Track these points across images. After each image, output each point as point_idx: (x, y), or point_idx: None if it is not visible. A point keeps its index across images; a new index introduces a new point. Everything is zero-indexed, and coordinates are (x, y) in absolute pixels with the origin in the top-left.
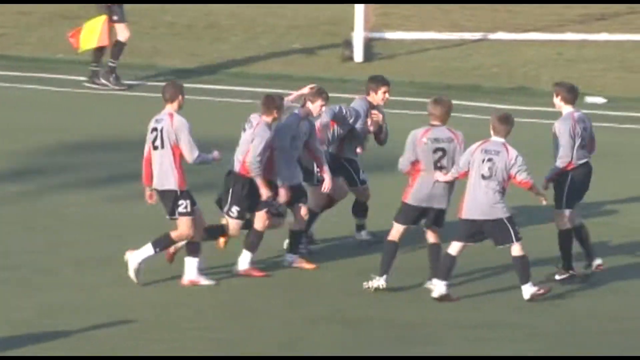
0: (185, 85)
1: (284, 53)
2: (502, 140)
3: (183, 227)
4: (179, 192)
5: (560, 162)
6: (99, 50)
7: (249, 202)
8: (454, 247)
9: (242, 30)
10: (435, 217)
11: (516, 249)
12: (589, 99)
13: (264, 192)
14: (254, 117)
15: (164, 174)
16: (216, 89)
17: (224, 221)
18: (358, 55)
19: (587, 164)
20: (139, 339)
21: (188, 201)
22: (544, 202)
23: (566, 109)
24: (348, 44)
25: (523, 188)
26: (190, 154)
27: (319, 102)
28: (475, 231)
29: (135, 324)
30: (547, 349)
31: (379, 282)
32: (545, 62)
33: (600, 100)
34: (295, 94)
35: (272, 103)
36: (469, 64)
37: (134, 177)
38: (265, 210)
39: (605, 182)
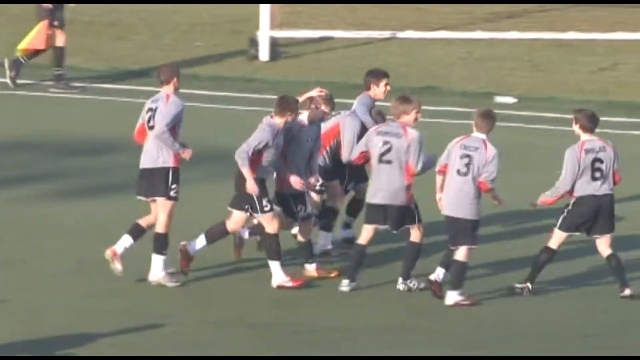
0: (88, 85)
1: (188, 52)
2: (483, 136)
3: (165, 211)
4: (171, 171)
5: (555, 190)
6: (36, 52)
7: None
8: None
9: (145, 28)
10: (400, 217)
11: (462, 254)
12: (499, 99)
13: (250, 186)
14: (265, 118)
15: (158, 152)
16: (119, 88)
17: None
18: (264, 54)
19: (596, 197)
20: (42, 344)
21: (179, 186)
22: (501, 206)
23: (583, 137)
24: (253, 43)
25: (481, 188)
26: (160, 126)
27: (324, 109)
28: (450, 231)
29: (39, 329)
30: (461, 353)
31: (342, 287)
32: (454, 61)
33: (510, 99)
34: (304, 96)
35: (286, 105)
36: (377, 63)
37: (41, 178)
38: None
39: (513, 183)
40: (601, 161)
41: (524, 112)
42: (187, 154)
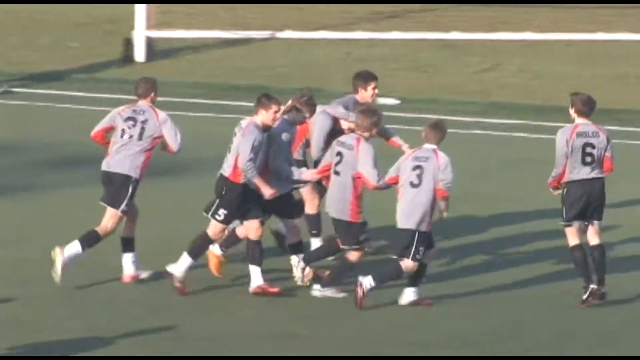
0: None
1: (63, 52)
2: (433, 146)
3: (114, 221)
4: (133, 184)
5: (554, 172)
6: None
7: (240, 209)
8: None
9: (20, 28)
10: (342, 232)
11: (405, 263)
12: (381, 100)
13: (266, 192)
14: (244, 121)
15: (131, 163)
16: None
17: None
18: (139, 54)
19: (586, 182)
20: None
21: (133, 200)
22: (442, 216)
23: (577, 120)
24: (129, 44)
25: (439, 195)
26: (176, 142)
27: (304, 112)
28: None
29: None
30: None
31: (294, 260)
32: (334, 61)
33: (392, 101)
34: (288, 104)
35: (256, 102)
36: (256, 63)
37: None
38: (258, 219)
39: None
40: (593, 146)
41: (407, 113)
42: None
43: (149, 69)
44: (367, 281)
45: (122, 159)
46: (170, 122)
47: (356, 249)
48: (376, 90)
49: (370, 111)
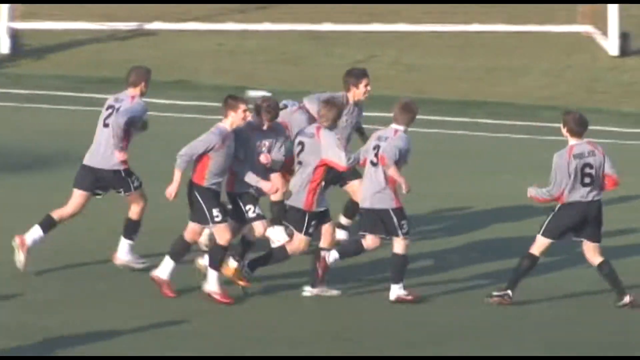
0: None
1: None
2: (397, 127)
3: (139, 200)
4: (124, 172)
5: (547, 194)
6: None
7: (219, 200)
8: (366, 241)
9: None
10: (291, 217)
11: (397, 245)
12: (252, 93)
13: (170, 189)
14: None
15: (112, 157)
16: None
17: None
18: (4, 46)
19: (584, 204)
20: None
21: (135, 176)
22: (404, 190)
23: (570, 141)
24: None
25: (380, 162)
26: (120, 121)
27: (263, 117)
28: (372, 222)
29: None
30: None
31: (305, 292)
32: (205, 53)
33: (263, 94)
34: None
35: (225, 104)
36: (124, 55)
37: None
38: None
39: None
40: (590, 166)
41: None
42: (121, 156)
43: (14, 62)
44: (397, 292)
45: (104, 153)
46: (132, 112)
47: (299, 238)
48: (368, 87)
49: (335, 102)
